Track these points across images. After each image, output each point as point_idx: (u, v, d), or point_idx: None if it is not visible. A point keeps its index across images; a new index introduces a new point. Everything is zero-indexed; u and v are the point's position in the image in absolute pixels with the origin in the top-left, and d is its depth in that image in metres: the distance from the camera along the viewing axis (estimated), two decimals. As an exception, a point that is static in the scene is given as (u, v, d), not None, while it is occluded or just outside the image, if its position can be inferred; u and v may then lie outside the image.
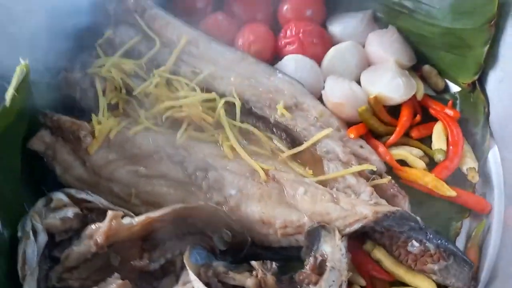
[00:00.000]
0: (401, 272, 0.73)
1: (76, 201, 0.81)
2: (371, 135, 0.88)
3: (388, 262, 0.73)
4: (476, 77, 0.84)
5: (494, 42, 0.79)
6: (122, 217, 0.75)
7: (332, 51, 0.96)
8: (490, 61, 0.81)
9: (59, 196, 0.80)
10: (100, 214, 0.79)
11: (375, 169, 0.79)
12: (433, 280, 0.71)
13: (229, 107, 0.90)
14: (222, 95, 0.90)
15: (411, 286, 0.72)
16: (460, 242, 0.79)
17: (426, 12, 0.89)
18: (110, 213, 0.71)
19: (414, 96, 0.90)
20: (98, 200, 0.80)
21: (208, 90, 0.91)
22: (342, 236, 0.71)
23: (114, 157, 0.86)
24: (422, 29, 0.92)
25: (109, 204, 0.79)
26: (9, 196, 0.82)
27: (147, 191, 0.83)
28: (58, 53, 1.00)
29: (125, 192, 0.84)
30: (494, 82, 0.82)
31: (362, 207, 0.71)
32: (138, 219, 0.72)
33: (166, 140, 0.87)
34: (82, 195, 0.80)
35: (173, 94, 0.91)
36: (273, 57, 1.00)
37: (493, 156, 0.84)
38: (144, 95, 0.91)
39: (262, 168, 0.81)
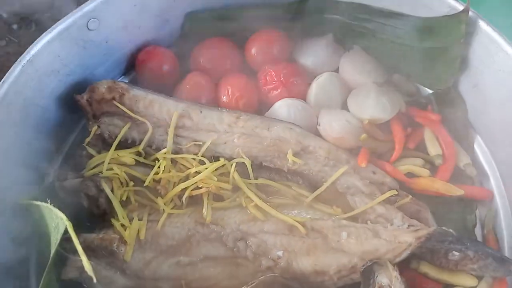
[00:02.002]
0: (445, 276, 0.83)
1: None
2: (373, 156, 0.96)
3: (434, 272, 0.83)
4: (451, 84, 0.94)
5: (465, 55, 0.89)
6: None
7: (314, 86, 1.01)
8: (462, 69, 0.91)
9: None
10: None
11: (396, 193, 0.87)
12: (473, 275, 0.83)
13: (240, 167, 0.92)
14: (230, 159, 0.92)
15: (457, 286, 0.83)
16: (477, 232, 0.91)
17: (391, 32, 0.97)
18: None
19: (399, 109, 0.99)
20: (157, 306, 0.80)
21: (215, 157, 0.93)
22: (394, 266, 0.79)
23: (151, 255, 0.85)
24: (388, 47, 0.99)
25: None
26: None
27: (196, 278, 0.84)
28: (38, 159, 0.95)
29: (175, 285, 0.84)
30: (468, 86, 0.93)
31: (404, 236, 0.80)
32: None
33: (194, 220, 0.87)
34: (138, 306, 0.80)
35: (183, 172, 0.91)
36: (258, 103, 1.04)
37: (479, 147, 0.97)
38: (154, 182, 0.90)
39: (298, 221, 0.85)
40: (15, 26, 1.13)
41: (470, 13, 0.83)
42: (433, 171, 0.94)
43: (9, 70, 0.84)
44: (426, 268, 0.83)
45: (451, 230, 0.80)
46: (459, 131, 0.97)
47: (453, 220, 0.88)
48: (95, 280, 0.67)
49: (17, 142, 0.89)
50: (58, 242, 0.72)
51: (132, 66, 1.08)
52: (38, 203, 0.77)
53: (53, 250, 0.72)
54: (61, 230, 0.71)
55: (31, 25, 1.05)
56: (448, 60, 0.91)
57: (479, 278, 0.83)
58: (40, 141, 0.94)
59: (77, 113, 0.98)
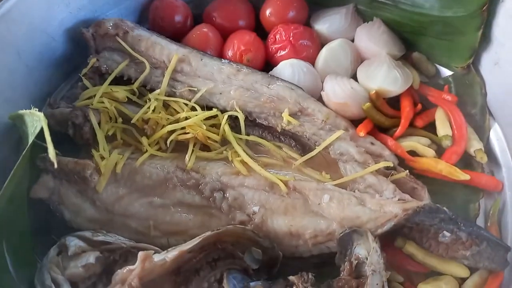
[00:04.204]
0: (434, 262, 0.75)
1: (93, 244, 0.77)
2: (377, 130, 0.89)
3: (420, 255, 0.75)
4: (471, 60, 0.87)
5: (487, 26, 0.81)
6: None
7: (324, 50, 0.96)
8: (483, 44, 0.84)
9: (75, 242, 0.76)
10: (123, 254, 0.77)
11: (392, 165, 0.80)
12: (465, 265, 0.74)
13: (233, 122, 0.89)
14: (223, 110, 0.89)
15: (445, 274, 0.74)
16: (479, 223, 0.81)
17: (411, 2, 0.91)
18: (141, 254, 0.68)
19: (411, 85, 0.91)
20: (118, 240, 0.76)
21: (208, 107, 0.89)
22: (375, 237, 0.72)
23: (124, 191, 0.82)
24: (408, 19, 0.93)
25: (132, 242, 0.76)
26: (21, 251, 0.77)
27: (166, 221, 0.81)
28: (38, 88, 0.96)
29: (143, 225, 0.81)
30: (489, 64, 0.85)
31: (390, 206, 0.72)
32: (170, 255, 0.69)
33: (175, 165, 0.84)
34: (100, 238, 0.77)
35: (173, 116, 0.88)
36: (264, 64, 1.00)
37: (495, 134, 0.88)
38: (143, 121, 0.88)
39: (281, 180, 0.80)
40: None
41: (497, -23, 0.76)
42: (440, 154, 0.86)
43: (17, -12, 0.85)
44: (412, 249, 0.75)
45: (444, 208, 0.72)
46: (476, 115, 0.89)
47: (454, 207, 0.79)
48: (56, 165, 0.64)
49: (18, 64, 0.89)
50: (32, 139, 0.70)
51: (145, 19, 1.07)
52: (22, 111, 0.76)
53: (27, 147, 0.71)
54: (38, 129, 0.69)
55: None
56: (469, 32, 0.84)
57: (473, 270, 0.74)
58: (42, 68, 0.94)
59: (84, 51, 0.97)
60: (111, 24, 0.94)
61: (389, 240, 0.77)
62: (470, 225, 0.71)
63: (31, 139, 0.71)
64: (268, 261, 0.77)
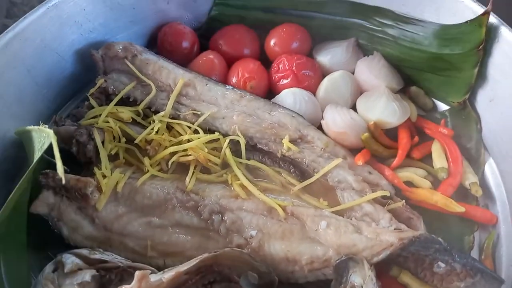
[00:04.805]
0: (428, 293, 0.75)
1: (89, 262, 0.77)
2: (375, 160, 0.91)
3: (415, 285, 0.75)
4: (467, 96, 0.90)
5: (483, 64, 0.84)
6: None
7: (326, 81, 0.99)
8: (479, 81, 0.86)
9: (72, 259, 0.76)
10: (119, 273, 0.77)
11: (388, 194, 0.81)
12: (460, 297, 0.74)
13: (234, 146, 0.90)
14: (225, 134, 0.91)
15: (440, 305, 0.75)
16: (474, 255, 0.82)
17: (411, 38, 0.95)
18: (138, 274, 0.68)
19: (409, 118, 0.94)
20: (115, 259, 0.77)
21: (211, 131, 0.91)
22: (371, 266, 0.72)
23: (124, 210, 0.83)
24: (407, 54, 0.97)
25: (128, 262, 0.76)
26: (17, 266, 0.77)
27: (164, 242, 0.81)
28: (45, 105, 0.98)
29: (141, 245, 0.81)
30: (484, 100, 0.88)
31: (386, 235, 0.73)
32: (167, 275, 0.69)
33: (175, 186, 0.85)
34: (97, 256, 0.77)
35: (176, 138, 0.90)
36: (267, 92, 1.03)
37: (490, 169, 0.90)
38: (146, 142, 0.90)
39: (279, 205, 0.81)
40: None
41: (493, 18, 0.80)
42: (436, 186, 0.87)
43: (34, 9, 0.88)
44: (407, 279, 0.75)
45: (440, 239, 0.72)
46: (471, 149, 0.91)
47: (449, 238, 0.80)
48: (63, 181, 0.65)
49: (28, 80, 0.91)
50: (40, 155, 0.71)
51: (153, 43, 1.11)
52: (30, 127, 0.77)
53: (33, 163, 0.72)
54: (46, 145, 0.70)
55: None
56: (466, 69, 0.87)
57: (467, 302, 0.74)
58: (50, 86, 0.97)
59: (92, 71, 1.00)
60: (121, 47, 0.97)
61: (384, 269, 0.77)
62: (464, 256, 0.72)
63: (37, 155, 0.72)
64: (264, 285, 0.77)
